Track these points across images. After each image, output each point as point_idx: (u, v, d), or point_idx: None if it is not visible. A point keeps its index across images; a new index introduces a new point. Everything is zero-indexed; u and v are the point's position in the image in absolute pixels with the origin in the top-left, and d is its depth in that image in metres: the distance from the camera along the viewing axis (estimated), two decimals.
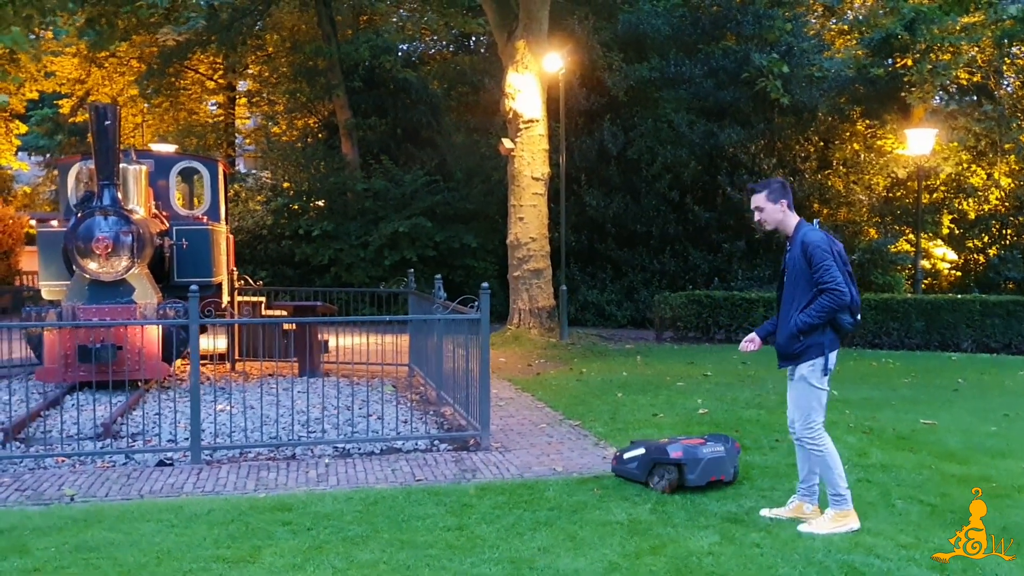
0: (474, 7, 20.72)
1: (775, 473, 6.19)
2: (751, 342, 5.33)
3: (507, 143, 15.41)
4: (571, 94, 18.56)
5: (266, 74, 26.35)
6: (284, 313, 11.69)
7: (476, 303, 7.20)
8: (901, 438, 7.45)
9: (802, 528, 4.99)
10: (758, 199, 5.13)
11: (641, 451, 5.86)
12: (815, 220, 5.57)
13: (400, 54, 24.46)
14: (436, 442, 7.24)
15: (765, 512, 5.28)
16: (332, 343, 11.69)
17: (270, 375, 10.32)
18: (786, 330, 5.01)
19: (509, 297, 15.82)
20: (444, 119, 23.77)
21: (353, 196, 20.92)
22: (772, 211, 5.11)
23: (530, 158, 15.30)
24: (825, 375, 5.01)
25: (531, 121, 15.22)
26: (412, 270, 12.01)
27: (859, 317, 5.09)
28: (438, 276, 9.41)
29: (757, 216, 5.19)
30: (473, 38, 26.42)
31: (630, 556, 4.56)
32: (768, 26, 19.20)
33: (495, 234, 19.57)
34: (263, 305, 12.61)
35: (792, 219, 5.13)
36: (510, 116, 15.44)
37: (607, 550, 4.65)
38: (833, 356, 5.02)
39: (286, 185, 22.19)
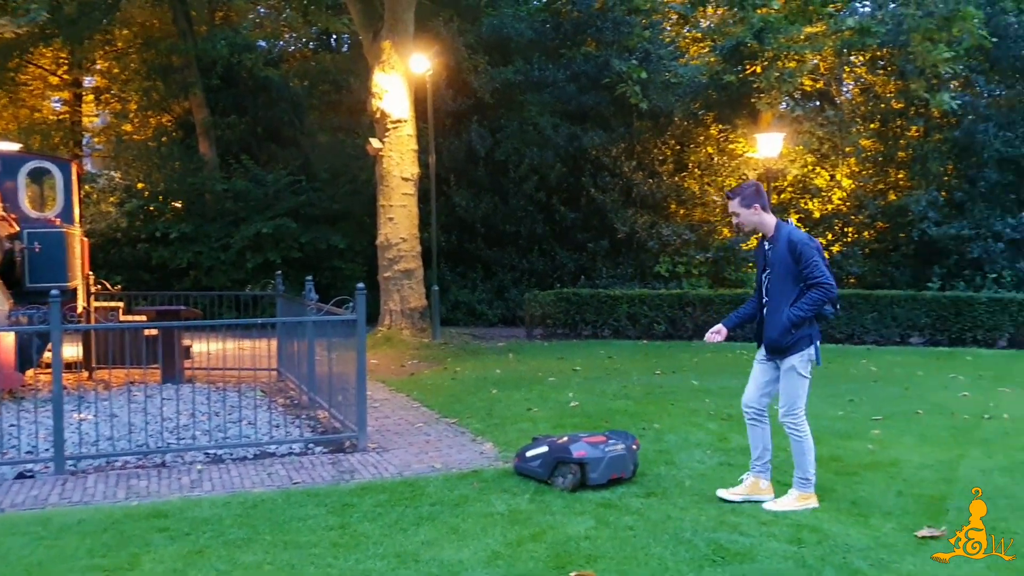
0: (336, 5, 20.51)
1: (644, 459, 6.45)
2: (717, 333, 5.54)
3: (375, 143, 15.35)
4: (438, 95, 18.64)
5: (116, 70, 25.17)
6: (145, 318, 11.28)
7: (351, 304, 7.19)
8: None
9: (768, 506, 5.32)
10: (732, 205, 5.44)
11: (544, 449, 5.91)
12: (789, 219, 5.86)
13: (260, 52, 23.90)
14: (311, 445, 7.20)
15: (722, 493, 5.52)
16: (195, 349, 11.38)
17: (131, 383, 9.95)
18: (779, 325, 5.22)
19: (380, 298, 15.74)
20: (307, 118, 23.43)
21: (212, 197, 20.32)
22: (747, 215, 5.40)
23: (399, 158, 15.29)
24: (816, 363, 5.32)
25: (399, 121, 15.21)
26: (280, 272, 11.82)
27: (839, 307, 5.43)
28: (309, 278, 9.32)
29: (735, 220, 5.47)
30: (335, 37, 26.11)
31: (511, 544, 4.70)
32: (627, 32, 19.82)
33: (363, 235, 19.43)
34: (122, 310, 12.15)
35: (770, 219, 5.40)
36: (377, 116, 15.38)
37: (489, 540, 4.77)
38: (817, 345, 5.32)
39: (140, 186, 21.30)
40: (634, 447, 6.01)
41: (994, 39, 16.61)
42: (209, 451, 6.91)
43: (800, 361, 5.27)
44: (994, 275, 17.78)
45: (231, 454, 6.90)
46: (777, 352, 5.32)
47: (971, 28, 14.34)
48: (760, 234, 5.50)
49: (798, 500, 5.36)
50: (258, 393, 9.25)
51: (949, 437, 7.43)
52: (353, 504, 5.45)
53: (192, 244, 19.53)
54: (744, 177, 20.16)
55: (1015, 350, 14.84)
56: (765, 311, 5.39)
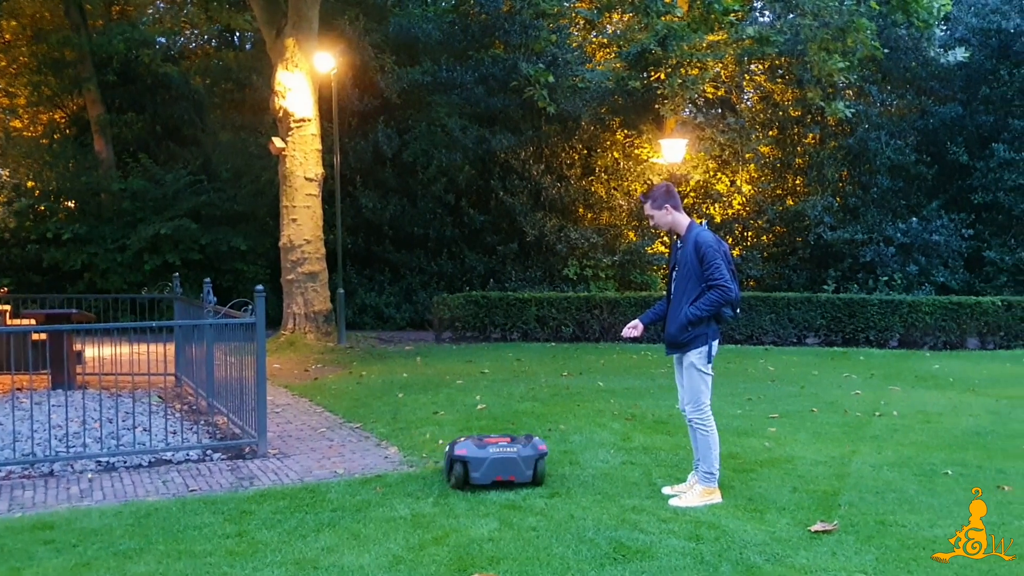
0: (238, 1, 20.07)
1: (549, 460, 6.47)
2: (634, 328, 5.66)
3: (278, 142, 15.05)
4: (344, 95, 18.44)
5: (3, 63, 24.06)
6: (33, 322, 10.78)
7: (250, 307, 7.02)
8: (659, 423, 8.03)
9: (673, 502, 5.43)
10: (645, 208, 5.62)
11: (447, 448, 5.97)
12: (703, 221, 5.99)
13: (159, 47, 23.23)
14: (209, 452, 6.98)
15: (667, 490, 5.68)
16: (89, 353, 10.96)
17: (18, 389, 9.49)
18: (677, 321, 5.39)
19: (283, 301, 15.44)
20: (208, 116, 22.90)
21: (108, 197, 19.64)
22: (660, 216, 5.55)
23: (302, 158, 15.02)
24: (709, 361, 5.42)
25: (303, 120, 14.95)
26: (177, 274, 11.49)
27: (739, 311, 5.55)
28: (207, 280, 9.06)
29: (651, 222, 5.64)
30: (238, 34, 25.55)
31: (414, 549, 4.64)
32: (534, 36, 19.97)
33: (266, 236, 19.07)
34: (8, 314, 11.60)
35: (683, 219, 5.57)
36: (280, 115, 15.09)
37: (391, 544, 4.71)
38: (715, 344, 5.46)
39: (30, 185, 20.44)
40: (537, 450, 5.89)
41: (886, 50, 17.34)
42: (101, 459, 6.64)
43: (698, 357, 5.39)
44: (885, 278, 18.55)
45: (125, 462, 6.65)
46: (675, 347, 5.47)
47: (864, 39, 14.92)
48: (676, 234, 5.65)
49: (702, 496, 5.45)
50: (154, 399, 8.94)
51: (842, 434, 7.68)
52: (251, 511, 5.31)
53: (86, 245, 18.84)
54: (649, 182, 20.52)
55: (905, 350, 15.50)
56: (669, 308, 5.56)
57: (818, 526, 5.00)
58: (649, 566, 4.38)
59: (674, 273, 5.57)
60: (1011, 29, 19.40)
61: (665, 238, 19.51)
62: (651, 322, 5.76)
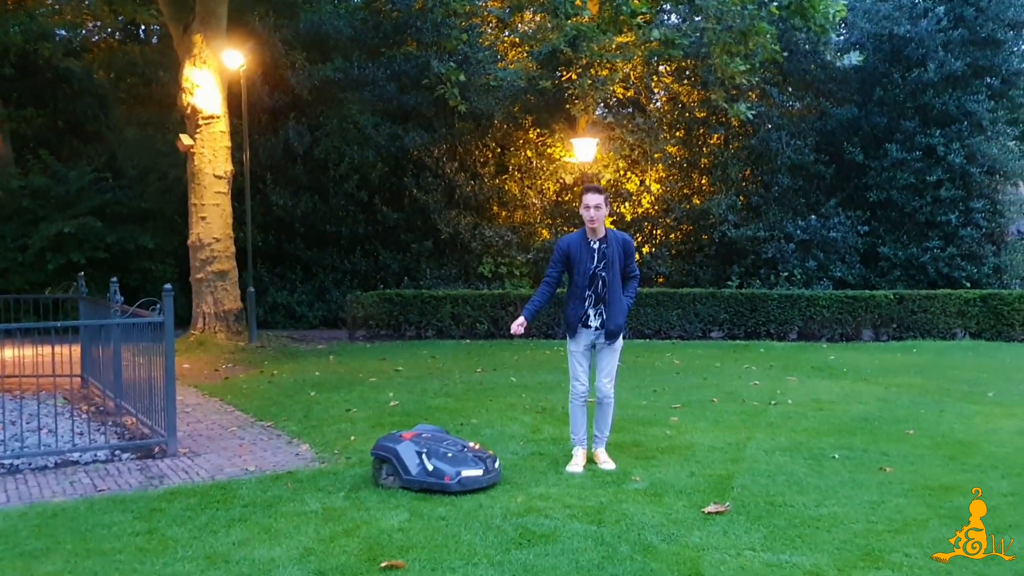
0: None
1: None
2: (521, 325, 6.17)
3: (186, 139, 14.83)
4: (254, 91, 18.23)
5: None
6: None
7: (158, 306, 6.99)
8: (568, 415, 8.24)
9: (606, 467, 6.24)
10: (600, 199, 6.04)
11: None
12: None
13: (59, 40, 22.52)
14: (118, 452, 6.93)
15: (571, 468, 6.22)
16: None
17: None
18: (622, 311, 6.16)
19: (192, 301, 15.22)
20: (113, 112, 22.28)
21: (6, 195, 18.98)
22: (605, 212, 6.08)
23: (211, 155, 14.84)
24: None
25: (211, 117, 14.77)
26: (82, 273, 11.25)
27: None
28: (114, 279, 8.94)
29: (593, 213, 6.04)
30: (143, 27, 24.92)
31: (325, 541, 4.75)
32: (446, 35, 20.06)
33: (174, 235, 18.72)
34: None
35: None
36: (188, 111, 14.87)
37: (302, 537, 4.80)
38: None
39: None
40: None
41: (786, 54, 18.00)
42: (4, 462, 6.53)
43: (622, 340, 6.30)
44: (786, 273, 19.27)
45: (29, 464, 6.55)
46: (616, 336, 6.17)
47: (765, 43, 15.47)
48: (595, 233, 6.12)
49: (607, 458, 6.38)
50: (60, 400, 8.78)
51: (739, 422, 8.06)
52: (162, 509, 5.33)
53: None
54: (562, 181, 20.84)
55: (804, 342, 16.18)
56: (604, 300, 6.13)
57: (712, 507, 5.29)
58: (552, 549, 4.59)
59: (595, 270, 6.12)
60: (902, 34, 20.34)
61: None
62: (533, 316, 6.29)
